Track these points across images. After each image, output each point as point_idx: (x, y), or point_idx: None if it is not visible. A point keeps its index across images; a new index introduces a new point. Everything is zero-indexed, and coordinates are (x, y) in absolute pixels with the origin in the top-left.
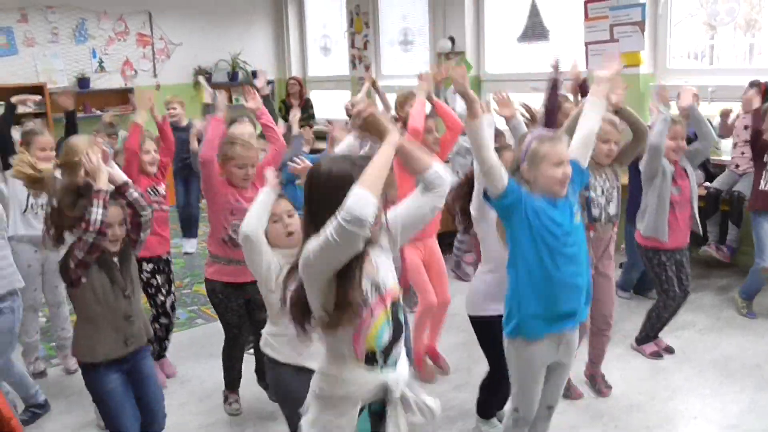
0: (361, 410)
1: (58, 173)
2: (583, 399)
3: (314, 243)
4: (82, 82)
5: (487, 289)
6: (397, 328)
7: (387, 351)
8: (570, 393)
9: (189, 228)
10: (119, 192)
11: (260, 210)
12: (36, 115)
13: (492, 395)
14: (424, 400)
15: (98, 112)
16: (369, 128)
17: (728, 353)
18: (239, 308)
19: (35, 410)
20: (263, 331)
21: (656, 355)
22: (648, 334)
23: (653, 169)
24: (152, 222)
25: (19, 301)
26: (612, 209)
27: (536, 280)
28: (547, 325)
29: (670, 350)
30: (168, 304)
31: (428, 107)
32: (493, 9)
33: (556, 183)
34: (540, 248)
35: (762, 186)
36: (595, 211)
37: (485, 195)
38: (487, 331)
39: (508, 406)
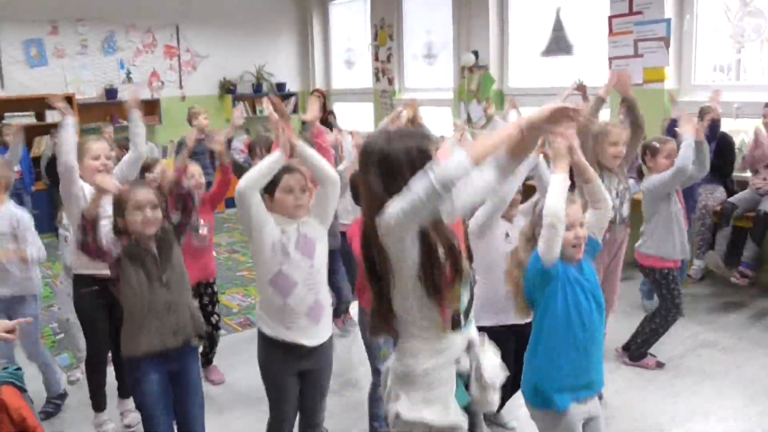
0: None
1: None
2: (602, 419)
3: (399, 203)
4: (110, 92)
5: (482, 303)
6: (472, 289)
7: (467, 312)
8: None
9: None
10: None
11: (264, 170)
12: None
13: None
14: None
15: (125, 123)
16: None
17: (751, 374)
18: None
19: (56, 401)
20: (256, 306)
21: (660, 364)
22: (644, 349)
23: (668, 190)
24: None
25: (40, 307)
26: (625, 211)
27: (567, 351)
28: (579, 393)
29: (660, 365)
30: (207, 330)
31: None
32: (517, 23)
33: (568, 246)
34: (573, 320)
35: None
36: (611, 213)
37: (537, 259)
38: None
39: None
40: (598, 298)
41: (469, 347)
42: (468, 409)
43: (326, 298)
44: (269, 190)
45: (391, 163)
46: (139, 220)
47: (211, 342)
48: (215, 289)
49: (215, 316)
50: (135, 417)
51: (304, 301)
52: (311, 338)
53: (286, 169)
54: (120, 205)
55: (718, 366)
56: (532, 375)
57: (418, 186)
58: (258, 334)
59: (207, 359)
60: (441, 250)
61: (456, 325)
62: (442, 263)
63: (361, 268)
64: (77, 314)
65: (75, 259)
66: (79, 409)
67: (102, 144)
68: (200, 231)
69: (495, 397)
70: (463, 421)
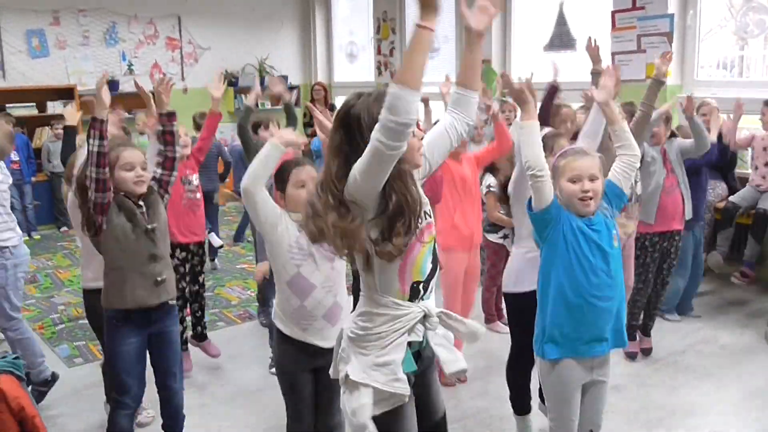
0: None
1: None
2: (607, 387)
3: (359, 164)
4: (111, 84)
5: (522, 268)
6: (435, 260)
7: (427, 282)
8: None
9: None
10: (167, 119)
11: (263, 164)
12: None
13: (519, 380)
14: (462, 320)
15: (126, 114)
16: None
17: (751, 370)
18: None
19: (41, 388)
20: (273, 303)
21: (631, 356)
22: (633, 323)
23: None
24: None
25: (14, 260)
26: (639, 188)
27: (569, 302)
28: (579, 347)
29: (646, 352)
30: (194, 289)
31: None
32: (520, 17)
33: (574, 198)
34: (575, 269)
35: None
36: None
37: (528, 205)
38: (518, 305)
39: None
40: (605, 251)
41: (425, 318)
42: (414, 377)
43: (345, 299)
44: (281, 187)
45: (351, 119)
46: (130, 177)
47: (201, 304)
48: (205, 249)
49: (203, 275)
50: (148, 414)
51: (322, 303)
52: (326, 339)
53: (295, 163)
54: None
55: (718, 362)
56: (538, 322)
57: (374, 134)
58: (275, 330)
59: (201, 334)
60: (405, 212)
61: (414, 294)
62: (402, 226)
63: None
64: (99, 332)
65: (88, 270)
66: (78, 396)
67: (137, 153)
68: (192, 182)
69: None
70: (407, 390)
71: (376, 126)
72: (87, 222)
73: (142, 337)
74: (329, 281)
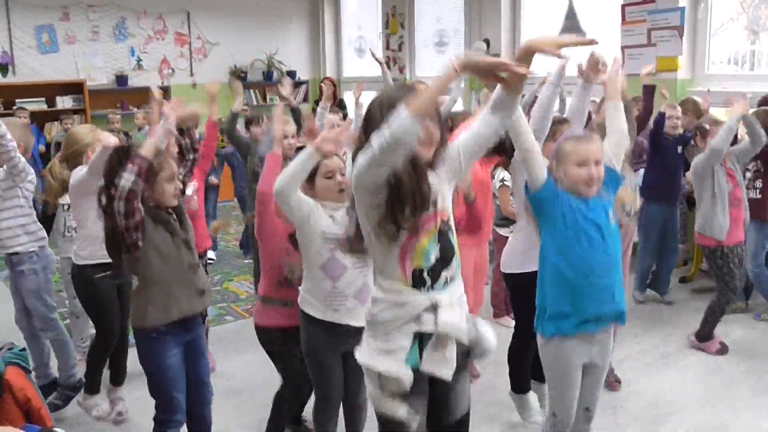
0: (413, 343)
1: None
2: (611, 408)
3: (362, 158)
4: (121, 79)
5: (523, 248)
6: (446, 250)
7: (435, 272)
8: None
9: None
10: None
11: (298, 168)
12: (74, 112)
13: (521, 359)
14: (482, 333)
15: (135, 110)
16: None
17: (761, 365)
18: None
19: (69, 392)
20: (300, 289)
21: (722, 350)
22: (710, 330)
23: (707, 169)
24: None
25: (43, 262)
26: (638, 203)
27: (568, 280)
28: (578, 325)
29: (721, 352)
30: None
31: None
32: (529, 11)
33: (580, 182)
34: (575, 247)
35: None
36: (627, 207)
37: (525, 187)
38: (520, 287)
39: (546, 412)
40: (603, 229)
41: (435, 308)
42: (416, 372)
43: (371, 280)
44: (308, 177)
45: (369, 114)
46: (171, 191)
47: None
48: (206, 260)
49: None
50: (125, 405)
51: (353, 284)
52: (357, 319)
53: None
54: (151, 174)
55: (728, 356)
56: (538, 300)
57: (374, 141)
58: (301, 315)
59: None
60: (409, 202)
61: (419, 282)
62: (405, 215)
63: None
64: (92, 303)
65: (83, 248)
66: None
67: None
68: (188, 191)
69: (446, 365)
70: (409, 375)
71: (377, 137)
72: (116, 244)
73: (181, 348)
74: (360, 263)
